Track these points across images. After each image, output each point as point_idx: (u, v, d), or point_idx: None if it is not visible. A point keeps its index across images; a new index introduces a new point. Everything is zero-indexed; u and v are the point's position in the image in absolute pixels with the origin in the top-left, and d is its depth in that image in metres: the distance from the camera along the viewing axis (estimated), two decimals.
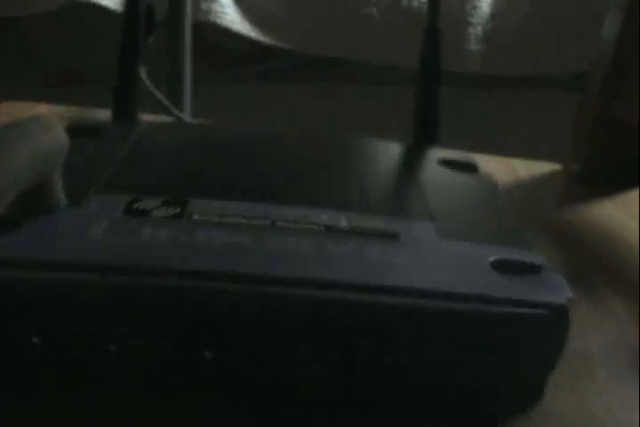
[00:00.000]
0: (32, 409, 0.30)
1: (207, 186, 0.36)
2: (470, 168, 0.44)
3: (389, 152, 0.46)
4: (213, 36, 1.01)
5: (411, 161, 0.45)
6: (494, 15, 1.03)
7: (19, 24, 0.98)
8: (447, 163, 0.44)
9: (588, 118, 0.59)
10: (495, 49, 1.02)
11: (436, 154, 0.45)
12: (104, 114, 0.61)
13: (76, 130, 0.41)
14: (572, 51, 0.95)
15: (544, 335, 0.29)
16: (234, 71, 1.04)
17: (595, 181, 0.58)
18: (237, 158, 0.41)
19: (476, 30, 1.03)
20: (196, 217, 0.32)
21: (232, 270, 0.28)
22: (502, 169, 0.60)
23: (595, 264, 0.47)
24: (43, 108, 0.68)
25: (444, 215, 0.36)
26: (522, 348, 0.29)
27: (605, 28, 0.59)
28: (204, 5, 0.99)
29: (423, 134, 0.48)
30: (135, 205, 0.33)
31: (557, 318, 0.29)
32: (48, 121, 0.32)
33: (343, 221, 0.33)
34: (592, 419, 0.32)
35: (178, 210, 0.32)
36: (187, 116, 0.78)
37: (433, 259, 0.31)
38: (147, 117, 0.56)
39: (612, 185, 0.58)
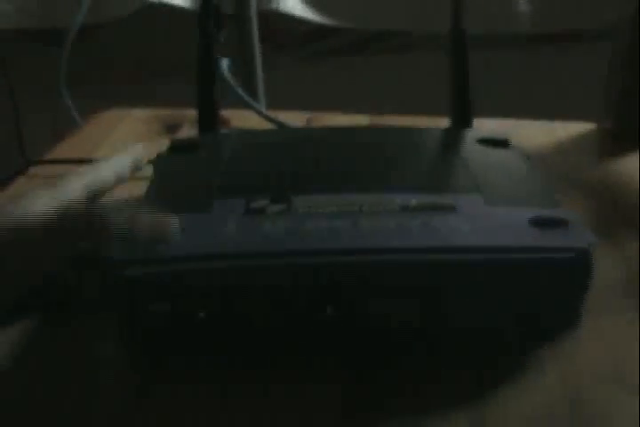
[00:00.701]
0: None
1: (302, 183, 0.45)
2: (504, 144, 0.52)
3: (435, 138, 0.54)
4: (275, 23, 1.08)
5: (454, 144, 0.53)
6: None
7: (98, 32, 1.07)
8: (484, 141, 0.52)
9: (617, 77, 0.65)
10: (542, 8, 1.07)
11: (474, 135, 0.53)
12: (189, 113, 0.68)
13: (177, 146, 0.51)
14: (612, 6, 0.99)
15: (572, 274, 0.38)
16: (296, 52, 1.12)
17: (627, 137, 0.64)
18: (317, 156, 0.50)
19: None
20: (301, 210, 0.41)
21: (337, 247, 0.38)
22: (542, 132, 0.67)
23: (619, 215, 0.54)
24: (139, 113, 0.78)
25: (489, 187, 0.44)
26: (555, 285, 0.38)
27: None
28: None
29: (460, 119, 0.56)
30: (251, 205, 0.42)
31: (581, 260, 0.38)
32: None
33: (413, 201, 0.42)
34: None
35: (285, 206, 0.42)
36: (262, 106, 0.86)
37: (483, 222, 0.40)
38: (227, 112, 0.64)
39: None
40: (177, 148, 0.52)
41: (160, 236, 0.39)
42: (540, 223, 0.40)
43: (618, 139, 0.66)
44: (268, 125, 0.71)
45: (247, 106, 0.76)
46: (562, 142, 0.67)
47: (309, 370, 0.40)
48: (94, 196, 0.46)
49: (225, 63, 0.69)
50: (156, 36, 1.08)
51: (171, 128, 0.74)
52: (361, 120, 0.75)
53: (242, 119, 0.72)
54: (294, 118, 0.73)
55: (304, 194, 0.43)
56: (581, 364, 0.41)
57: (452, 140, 0.54)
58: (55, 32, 0.88)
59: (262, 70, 1.02)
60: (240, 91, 0.72)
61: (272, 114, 0.73)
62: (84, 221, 0.40)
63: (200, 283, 0.38)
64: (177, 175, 0.48)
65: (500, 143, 0.52)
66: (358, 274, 0.38)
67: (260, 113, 0.74)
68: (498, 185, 0.45)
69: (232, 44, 0.96)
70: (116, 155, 0.51)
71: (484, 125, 0.56)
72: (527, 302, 0.39)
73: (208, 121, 0.57)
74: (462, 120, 0.55)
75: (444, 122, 0.56)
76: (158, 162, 0.50)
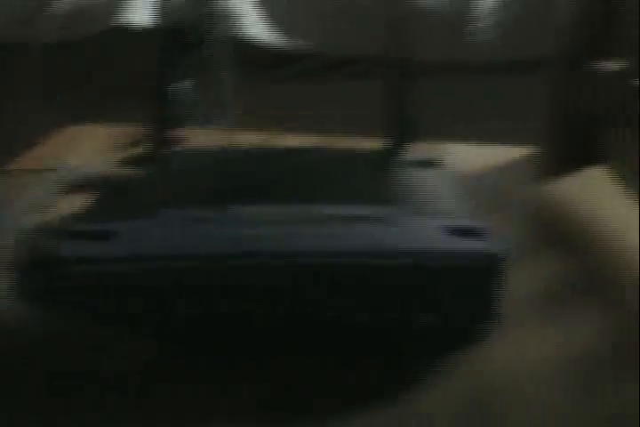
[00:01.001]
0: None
1: (243, 195, 0.49)
2: (435, 163, 0.56)
3: (370, 158, 0.59)
4: (240, 48, 1.11)
5: (386, 164, 0.58)
6: (497, 7, 1.11)
7: (64, 48, 1.09)
8: (416, 162, 0.56)
9: (555, 107, 0.69)
10: (497, 38, 1.10)
11: (407, 156, 0.57)
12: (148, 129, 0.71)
13: (131, 161, 0.55)
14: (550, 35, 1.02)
15: (485, 278, 0.41)
16: (263, 76, 1.14)
17: (561, 161, 0.68)
18: (258, 173, 0.54)
19: (481, 21, 1.11)
20: (237, 218, 0.45)
21: (265, 250, 0.41)
22: (483, 155, 0.71)
23: (544, 233, 0.58)
24: (102, 130, 0.80)
25: (411, 200, 0.49)
26: (469, 289, 0.41)
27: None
28: (233, 21, 1.09)
29: (396, 141, 0.60)
30: (195, 214, 0.45)
31: (494, 265, 0.41)
32: None
33: (343, 212, 0.45)
34: None
35: (225, 215, 0.45)
36: (230, 124, 0.88)
37: (402, 230, 0.43)
38: (192, 130, 0.67)
39: (576, 164, 0.67)
40: (130, 162, 0.55)
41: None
42: (455, 231, 0.43)
43: (553, 162, 0.70)
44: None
45: (206, 125, 0.78)
46: (501, 164, 0.71)
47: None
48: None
49: (187, 84, 0.71)
50: (125, 55, 1.11)
51: (134, 144, 0.77)
52: (315, 141, 0.78)
53: (203, 137, 0.75)
54: (253, 138, 0.76)
55: (242, 205, 0.47)
56: (495, 366, 0.43)
57: (385, 160, 0.58)
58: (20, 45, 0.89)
59: (230, 93, 1.05)
60: (198, 109, 0.74)
61: (232, 133, 0.75)
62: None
63: (138, 282, 0.40)
64: (126, 186, 0.52)
65: (430, 163, 0.56)
66: (285, 275, 0.41)
67: (219, 131, 0.76)
68: (419, 199, 0.49)
69: (200, 65, 0.98)
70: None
71: (427, 149, 0.60)
72: (443, 304, 0.42)
73: (162, 138, 0.60)
74: (398, 142, 0.59)
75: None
76: (111, 174, 0.54)
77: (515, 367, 0.43)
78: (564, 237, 0.58)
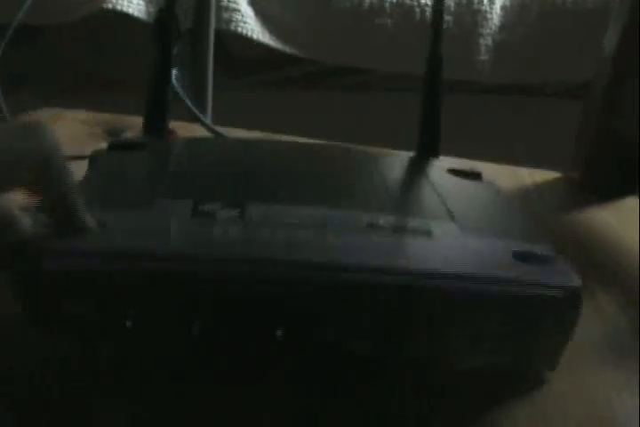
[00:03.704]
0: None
1: (255, 192, 0.41)
2: (475, 176, 0.48)
3: (403, 163, 0.51)
4: (234, 45, 1.05)
5: (423, 171, 0.50)
6: (504, 26, 1.07)
7: (44, 33, 1.02)
8: (455, 172, 0.49)
9: (588, 131, 0.63)
10: (505, 58, 1.06)
11: (443, 164, 0.50)
12: (136, 120, 0.65)
13: (118, 145, 0.47)
14: (575, 61, 0.99)
15: (559, 314, 0.35)
16: (252, 78, 1.08)
17: (594, 189, 0.62)
18: (274, 168, 0.46)
19: (487, 41, 1.07)
20: (255, 218, 0.37)
21: (298, 259, 0.34)
22: (507, 176, 0.64)
23: (589, 266, 0.51)
24: (77, 115, 0.72)
25: (464, 215, 0.41)
26: (540, 322, 0.35)
27: (605, 43, 0.63)
28: (225, 15, 1.03)
29: (427, 147, 0.53)
30: (200, 208, 0.37)
31: (572, 299, 0.35)
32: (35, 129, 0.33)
33: (381, 221, 0.38)
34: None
35: (238, 212, 0.37)
36: (207, 121, 0.81)
37: (464, 250, 0.36)
38: (173, 123, 0.60)
39: (610, 193, 0.61)
40: (118, 146, 0.47)
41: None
42: (525, 257, 0.37)
43: (585, 190, 0.64)
44: None
45: (194, 118, 0.72)
46: (527, 188, 0.64)
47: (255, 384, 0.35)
48: None
49: (173, 73, 0.65)
50: (106, 43, 1.04)
51: (112, 133, 0.69)
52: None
53: (189, 132, 0.68)
54: (242, 136, 0.69)
55: (259, 202, 0.39)
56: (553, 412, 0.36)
57: (420, 166, 0.51)
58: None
59: (214, 92, 0.98)
60: (188, 101, 0.68)
61: (220, 130, 0.69)
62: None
63: (124, 286, 0.33)
64: (115, 171, 0.44)
65: (471, 175, 0.48)
66: (319, 291, 0.33)
67: (206, 125, 0.70)
68: (472, 214, 0.42)
69: (185, 57, 0.92)
70: None
71: (458, 163, 0.53)
72: (509, 336, 0.35)
73: (155, 126, 0.52)
74: (429, 150, 0.52)
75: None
76: (96, 157, 0.45)
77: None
78: (611, 271, 0.51)
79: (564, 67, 1.01)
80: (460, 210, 0.41)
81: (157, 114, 0.54)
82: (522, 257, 0.36)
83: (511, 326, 0.35)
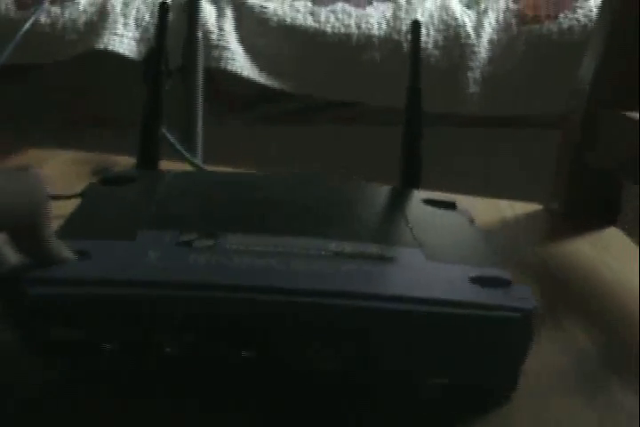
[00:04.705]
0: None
1: (232, 222, 0.44)
2: (449, 206, 0.50)
3: (381, 193, 0.53)
4: (225, 81, 1.06)
5: (399, 201, 0.52)
6: (492, 59, 1.08)
7: (38, 71, 1.04)
8: (429, 202, 0.50)
9: (566, 163, 0.64)
10: (493, 91, 1.07)
11: (420, 195, 0.51)
12: (123, 160, 0.66)
13: (110, 179, 0.50)
14: (563, 92, 1.00)
15: (513, 336, 0.36)
16: (243, 114, 1.09)
17: (574, 220, 0.63)
18: (253, 199, 0.48)
19: (475, 74, 1.08)
20: (230, 247, 0.39)
21: (266, 285, 0.36)
22: (488, 209, 0.65)
23: (562, 297, 0.52)
24: (65, 155, 0.73)
25: (429, 243, 0.43)
26: (494, 345, 0.36)
27: (581, 75, 0.64)
28: (215, 53, 1.04)
29: (408, 179, 0.54)
30: (179, 238, 0.40)
31: (525, 320, 0.36)
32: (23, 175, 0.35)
33: (348, 248, 0.40)
34: None
35: (213, 242, 0.39)
36: (199, 160, 0.82)
37: (423, 275, 0.38)
38: (164, 163, 0.61)
39: (589, 224, 0.62)
40: (109, 180, 0.50)
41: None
42: (482, 281, 0.38)
43: (563, 221, 0.64)
44: None
45: (180, 156, 0.73)
46: (508, 220, 0.65)
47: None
48: None
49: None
50: (96, 82, 1.05)
51: (100, 172, 0.70)
52: None
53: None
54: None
55: (235, 232, 0.41)
56: None
57: (396, 197, 0.52)
58: None
59: (206, 129, 0.99)
60: (172, 139, 0.69)
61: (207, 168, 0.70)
62: None
63: (109, 310, 0.35)
64: (104, 204, 0.46)
65: (445, 205, 0.50)
66: (284, 315, 0.35)
67: (192, 163, 0.70)
68: (439, 242, 0.44)
69: (175, 97, 0.93)
70: None
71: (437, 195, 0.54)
72: (467, 357, 0.37)
73: (147, 163, 0.55)
74: (410, 181, 0.54)
75: None
76: (88, 191, 0.48)
77: None
78: (584, 302, 0.52)
79: (553, 98, 1.02)
80: (426, 238, 0.43)
81: (150, 151, 0.56)
82: (478, 281, 0.38)
83: (467, 347, 0.36)
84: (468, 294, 0.37)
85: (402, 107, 1.03)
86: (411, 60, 0.54)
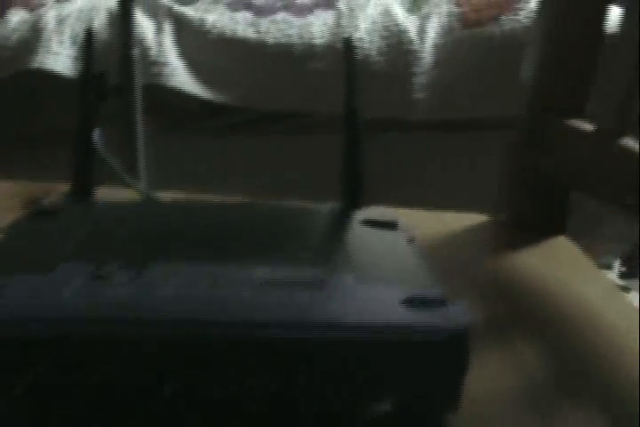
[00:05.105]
0: None
1: (159, 252, 0.42)
2: (390, 225, 0.48)
3: (318, 216, 0.51)
4: (168, 96, 1.04)
5: (336, 223, 0.50)
6: (437, 64, 1.07)
7: None
8: (369, 222, 0.49)
9: (511, 172, 0.63)
10: (439, 95, 1.06)
11: (360, 215, 0.50)
12: (54, 187, 0.63)
13: (38, 211, 0.48)
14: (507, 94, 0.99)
15: (446, 357, 0.35)
16: (187, 129, 1.07)
17: (521, 230, 0.62)
18: (183, 228, 0.47)
19: (421, 79, 1.07)
20: (151, 277, 0.38)
21: (179, 318, 0.34)
22: (433, 222, 0.64)
23: (509, 313, 0.50)
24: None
25: (362, 265, 0.42)
26: (428, 368, 0.35)
27: (522, 76, 0.63)
28: (154, 69, 1.02)
29: (349, 198, 0.52)
30: (99, 270, 0.38)
31: (459, 341, 0.35)
32: None
33: (276, 275, 0.39)
34: None
35: (135, 273, 0.38)
36: (142, 183, 0.80)
37: (351, 299, 0.37)
38: (102, 189, 0.59)
39: (538, 233, 0.61)
40: (37, 212, 0.48)
41: None
42: (412, 303, 0.37)
43: (510, 231, 0.63)
44: None
45: (120, 179, 0.70)
46: (454, 233, 0.63)
47: None
48: None
49: (97, 135, 0.64)
50: (31, 103, 1.03)
51: (31, 203, 0.67)
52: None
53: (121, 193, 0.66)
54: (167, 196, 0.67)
55: (159, 262, 0.40)
56: None
57: (334, 218, 0.51)
58: None
59: (151, 145, 0.97)
60: (110, 160, 0.67)
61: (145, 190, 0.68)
62: None
63: (19, 351, 0.33)
64: (26, 237, 0.45)
65: (385, 225, 0.49)
66: (201, 349, 0.34)
67: (129, 185, 0.68)
68: (371, 264, 0.43)
69: (114, 116, 0.91)
70: None
71: (378, 211, 0.53)
72: (397, 385, 0.35)
73: (81, 188, 0.53)
74: (351, 199, 0.52)
75: None
76: (12, 225, 0.46)
77: None
78: (531, 316, 0.50)
79: (500, 100, 1.01)
80: (359, 260, 0.43)
81: (82, 175, 0.54)
82: (410, 303, 0.36)
83: (401, 371, 0.35)
84: (397, 316, 0.35)
85: None
86: (346, 81, 0.52)
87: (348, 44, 0.53)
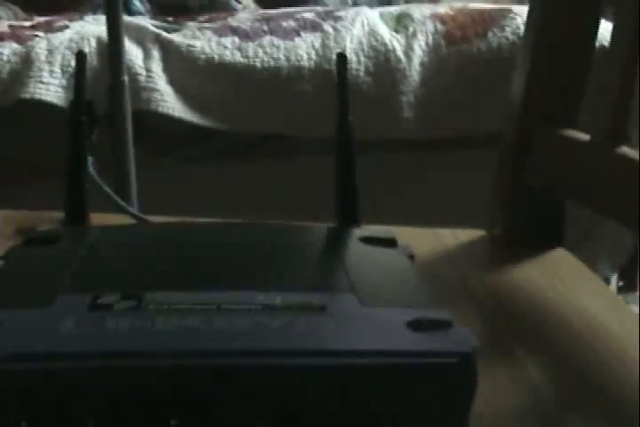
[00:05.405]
0: None
1: (158, 280, 0.41)
2: (389, 243, 0.48)
3: (316, 236, 0.51)
4: (158, 122, 1.04)
5: (335, 242, 0.50)
6: (424, 82, 1.08)
7: None
8: (368, 240, 0.48)
9: (504, 184, 0.63)
10: (428, 113, 1.06)
11: (358, 233, 0.49)
12: (48, 215, 0.63)
13: (34, 239, 0.46)
14: (496, 109, 1.00)
15: (454, 380, 0.34)
16: (177, 154, 1.07)
17: (517, 244, 0.61)
18: (181, 253, 0.46)
19: (409, 98, 1.07)
20: (151, 307, 0.37)
21: (184, 348, 0.34)
22: (429, 239, 0.63)
23: (512, 328, 0.50)
24: None
25: (365, 286, 0.40)
26: (437, 392, 0.34)
27: (512, 92, 0.63)
28: (144, 95, 1.02)
29: (345, 216, 0.52)
30: (98, 301, 0.37)
31: (463, 365, 0.34)
32: None
33: (277, 300, 0.38)
34: None
35: (135, 302, 0.37)
36: (134, 208, 0.80)
37: (356, 324, 0.36)
38: (96, 215, 0.58)
39: (534, 247, 0.61)
40: (32, 240, 0.47)
41: None
42: (418, 326, 0.36)
43: (507, 246, 0.63)
44: None
45: (115, 206, 0.70)
46: (450, 249, 0.63)
47: None
48: None
49: (89, 162, 0.64)
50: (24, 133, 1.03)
51: (26, 231, 0.67)
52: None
53: (116, 220, 0.66)
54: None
55: (159, 291, 0.39)
56: None
57: (332, 238, 0.50)
58: None
59: (141, 171, 0.97)
60: (106, 188, 0.66)
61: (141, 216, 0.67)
62: None
63: (18, 386, 0.33)
64: (23, 268, 0.44)
65: (384, 242, 0.48)
66: (209, 379, 0.33)
67: (125, 211, 0.68)
68: (374, 285, 0.42)
69: (104, 143, 0.91)
70: None
71: (374, 230, 0.52)
72: (406, 410, 0.35)
73: (75, 216, 0.52)
74: (348, 218, 0.52)
75: None
76: (8, 254, 0.45)
77: None
78: (534, 330, 0.50)
79: (489, 116, 1.01)
80: (361, 282, 0.41)
81: (76, 203, 0.53)
82: (415, 326, 0.36)
83: (409, 397, 0.34)
84: (403, 341, 0.35)
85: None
86: (338, 94, 0.52)
87: (341, 60, 0.53)
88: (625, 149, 0.52)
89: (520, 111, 0.63)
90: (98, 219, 0.60)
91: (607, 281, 1.20)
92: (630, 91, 0.52)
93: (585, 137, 0.56)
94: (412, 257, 0.47)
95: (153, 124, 1.03)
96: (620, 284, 1.25)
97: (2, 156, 1.05)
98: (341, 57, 0.52)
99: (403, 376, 0.34)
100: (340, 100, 0.52)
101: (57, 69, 1.05)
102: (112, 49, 0.88)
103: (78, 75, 0.53)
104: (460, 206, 0.86)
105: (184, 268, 0.43)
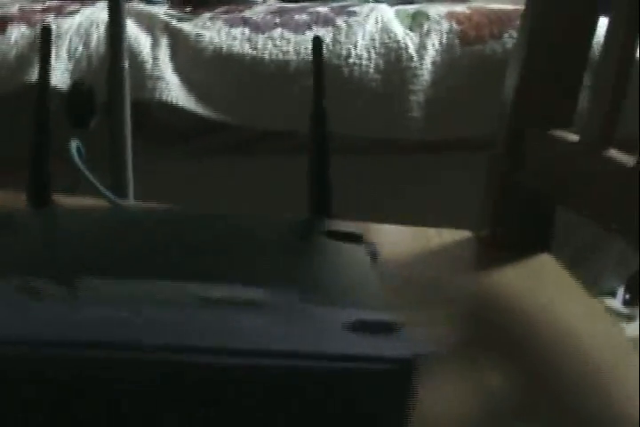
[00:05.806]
0: None
1: (95, 266, 0.39)
2: (354, 239, 0.46)
3: (279, 227, 0.48)
4: (159, 113, 1.03)
5: (297, 235, 0.47)
6: (435, 82, 1.06)
7: None
8: (333, 234, 0.46)
9: (495, 186, 0.61)
10: (436, 114, 1.04)
11: (325, 227, 0.47)
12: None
13: None
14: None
15: (390, 389, 0.32)
16: (179, 147, 1.06)
17: (504, 247, 0.59)
18: (130, 240, 0.44)
19: (418, 97, 1.05)
20: (80, 295, 0.35)
21: (109, 340, 0.31)
22: (414, 238, 0.61)
23: (481, 333, 0.48)
24: None
25: (311, 282, 0.38)
26: (369, 401, 0.32)
27: (504, 93, 0.61)
28: (149, 83, 1.01)
29: (316, 207, 0.50)
30: (26, 285, 0.35)
31: (400, 373, 0.32)
32: None
33: (215, 294, 0.36)
34: None
35: (64, 289, 0.35)
36: (129, 197, 0.79)
37: (288, 322, 0.34)
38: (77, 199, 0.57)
39: (521, 251, 0.59)
40: None
41: None
42: (360, 327, 0.33)
43: (492, 248, 0.61)
44: None
45: (98, 192, 0.69)
46: (435, 249, 0.61)
47: None
48: None
49: (74, 146, 0.63)
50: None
51: None
52: None
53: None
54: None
55: (93, 278, 0.37)
56: None
57: (296, 230, 0.48)
58: None
59: (143, 163, 0.96)
60: (87, 173, 0.65)
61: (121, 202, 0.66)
62: None
63: None
64: None
65: (349, 238, 0.46)
66: (121, 374, 0.31)
67: (107, 198, 0.67)
68: (322, 282, 0.39)
69: (104, 132, 0.90)
70: None
71: (348, 225, 0.50)
72: (344, 412, 0.32)
73: (37, 200, 0.50)
74: (318, 208, 0.50)
75: None
76: None
77: None
78: (502, 337, 0.48)
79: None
80: (311, 278, 0.39)
81: (39, 183, 0.51)
82: (356, 327, 0.33)
83: (344, 402, 0.32)
84: (335, 343, 0.32)
85: (344, 133, 1.00)
86: (314, 81, 0.50)
87: (317, 44, 0.51)
88: (613, 152, 0.50)
89: (511, 111, 0.61)
90: (72, 202, 0.59)
91: (613, 294, 1.17)
92: (620, 92, 0.50)
93: (575, 138, 0.54)
94: (374, 255, 0.45)
95: (157, 114, 1.02)
96: (627, 297, 1.21)
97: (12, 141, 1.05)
98: (317, 40, 0.50)
99: (328, 381, 0.32)
100: (316, 88, 0.50)
101: (64, 54, 1.04)
102: (112, 32, 0.86)
103: (43, 51, 0.52)
104: (460, 206, 0.84)
105: (127, 255, 0.41)
